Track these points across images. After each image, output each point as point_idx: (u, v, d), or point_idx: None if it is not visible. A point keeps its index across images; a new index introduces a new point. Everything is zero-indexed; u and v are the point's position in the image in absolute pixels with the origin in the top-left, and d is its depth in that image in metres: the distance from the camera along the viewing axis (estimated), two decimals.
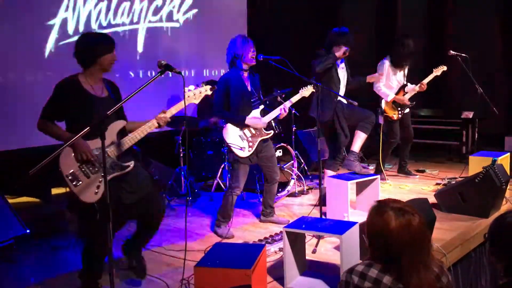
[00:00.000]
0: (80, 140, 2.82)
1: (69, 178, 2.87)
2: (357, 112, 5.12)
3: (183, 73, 2.77)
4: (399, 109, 5.76)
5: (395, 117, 5.75)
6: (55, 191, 5.82)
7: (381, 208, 1.98)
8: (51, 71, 5.36)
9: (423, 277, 1.88)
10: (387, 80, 5.75)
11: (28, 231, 3.97)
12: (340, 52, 4.88)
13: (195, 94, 3.23)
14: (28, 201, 5.60)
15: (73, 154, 2.88)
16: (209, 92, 3.34)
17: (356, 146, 5.18)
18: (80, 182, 2.88)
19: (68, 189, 2.91)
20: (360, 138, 5.14)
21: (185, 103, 2.99)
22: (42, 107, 3.03)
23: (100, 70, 3.04)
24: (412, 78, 5.90)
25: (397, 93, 5.80)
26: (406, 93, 5.83)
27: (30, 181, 2.69)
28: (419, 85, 5.75)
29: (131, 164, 3.06)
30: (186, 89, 3.17)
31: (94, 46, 2.97)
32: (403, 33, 5.86)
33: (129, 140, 3.02)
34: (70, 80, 3.00)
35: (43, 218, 4.55)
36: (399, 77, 5.82)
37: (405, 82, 5.85)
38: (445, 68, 5.83)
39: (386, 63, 5.73)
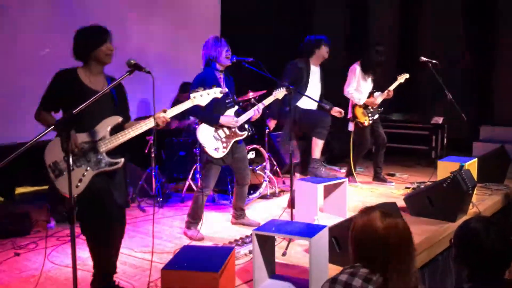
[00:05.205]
0: None
1: (51, 167, 2.76)
2: (311, 116, 5.13)
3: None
4: (369, 115, 5.79)
5: (366, 123, 5.76)
6: (19, 190, 5.68)
7: (368, 210, 1.98)
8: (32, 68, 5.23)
9: (407, 286, 1.87)
10: (357, 85, 5.76)
11: None
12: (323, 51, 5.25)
13: (202, 96, 3.21)
14: None
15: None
16: (219, 95, 3.35)
17: (316, 153, 5.21)
18: (63, 173, 2.76)
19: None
20: (317, 145, 5.17)
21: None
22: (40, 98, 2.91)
23: (98, 63, 2.93)
24: (385, 85, 5.92)
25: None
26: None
27: None
28: (386, 91, 5.78)
29: (121, 161, 2.93)
30: (193, 91, 3.23)
31: (86, 41, 2.89)
32: (377, 41, 5.85)
33: (121, 136, 2.90)
34: (69, 72, 2.90)
35: (6, 217, 4.40)
36: (368, 83, 5.85)
37: (373, 89, 5.90)
38: (407, 75, 5.89)
39: (358, 68, 5.76)
